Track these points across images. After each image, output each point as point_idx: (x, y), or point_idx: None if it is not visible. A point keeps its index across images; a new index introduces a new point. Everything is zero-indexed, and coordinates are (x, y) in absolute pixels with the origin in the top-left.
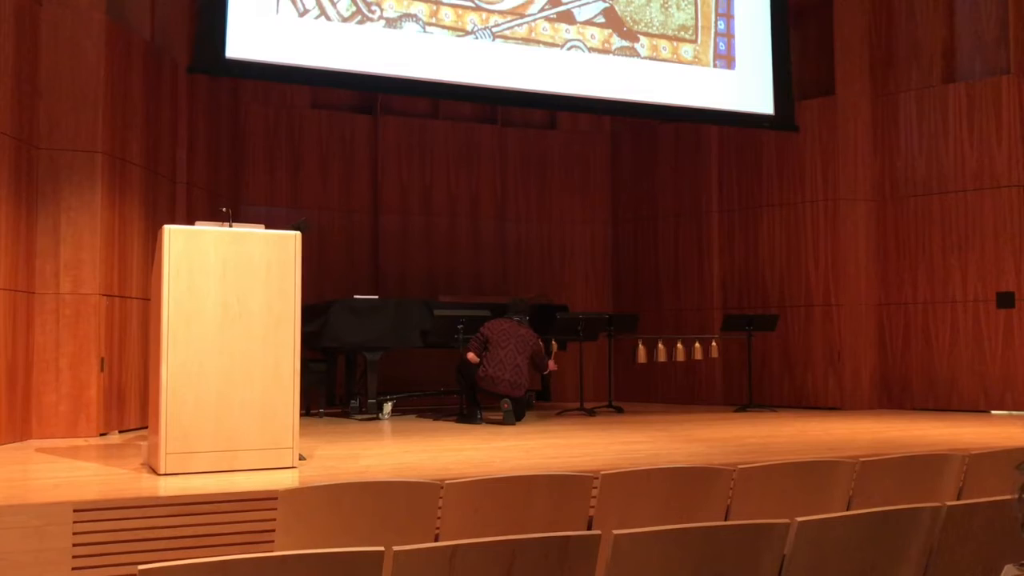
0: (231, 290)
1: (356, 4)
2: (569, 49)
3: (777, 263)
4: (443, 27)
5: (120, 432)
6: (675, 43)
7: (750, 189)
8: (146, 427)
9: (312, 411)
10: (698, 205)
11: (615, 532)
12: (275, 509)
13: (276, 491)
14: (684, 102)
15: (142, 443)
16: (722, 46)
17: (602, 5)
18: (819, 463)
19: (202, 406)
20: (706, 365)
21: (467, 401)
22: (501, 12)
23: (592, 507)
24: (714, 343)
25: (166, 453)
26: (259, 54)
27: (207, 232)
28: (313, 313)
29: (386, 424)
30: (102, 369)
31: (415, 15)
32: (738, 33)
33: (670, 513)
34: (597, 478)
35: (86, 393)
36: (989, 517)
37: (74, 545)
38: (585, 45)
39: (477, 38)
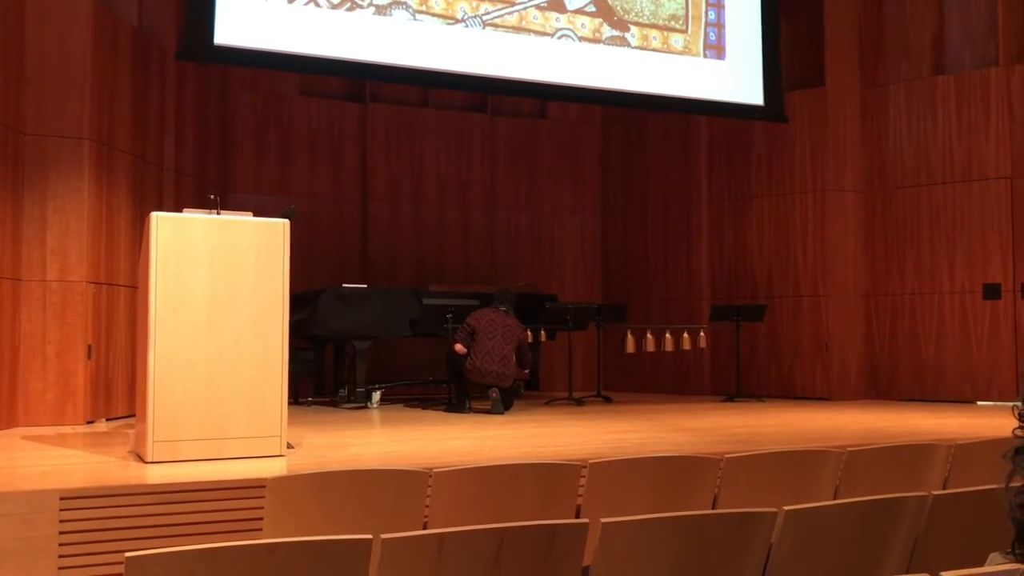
0: (219, 278)
1: None
2: (559, 38)
3: (766, 253)
4: (433, 15)
5: (107, 420)
6: (665, 33)
7: (739, 180)
8: (133, 415)
9: (300, 400)
10: (687, 195)
11: (603, 520)
12: (263, 497)
13: (264, 479)
14: (674, 92)
15: (129, 431)
16: (712, 36)
17: None
18: (806, 452)
19: (190, 394)
20: (694, 355)
21: (455, 390)
22: (491, 0)
23: (580, 496)
24: (702, 333)
25: (153, 441)
26: (248, 41)
27: (195, 220)
28: (301, 301)
29: (374, 413)
30: (89, 357)
31: (405, 2)
32: (728, 23)
33: (658, 502)
34: (585, 467)
35: (73, 381)
36: (975, 506)
37: (60, 533)
38: (575, 34)
39: (467, 26)
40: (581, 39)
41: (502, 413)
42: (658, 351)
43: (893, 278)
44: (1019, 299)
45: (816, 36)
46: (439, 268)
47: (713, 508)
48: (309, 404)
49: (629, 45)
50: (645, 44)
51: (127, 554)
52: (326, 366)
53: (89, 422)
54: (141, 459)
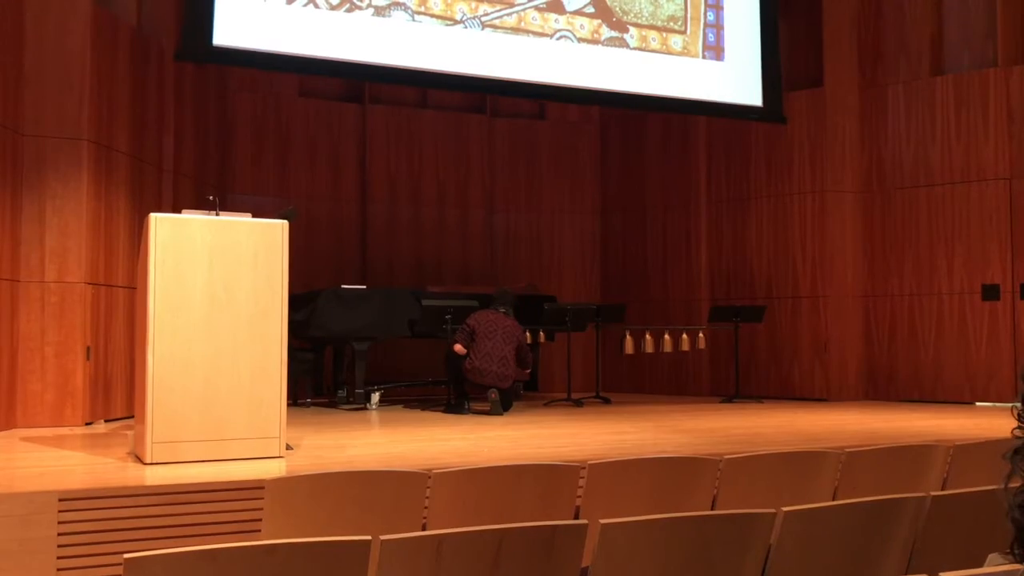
0: (218, 279)
1: None
2: (558, 39)
3: (765, 254)
4: (432, 16)
5: (106, 421)
6: (664, 34)
7: (738, 180)
8: (132, 416)
9: (299, 401)
10: (686, 196)
11: (602, 521)
12: (262, 498)
13: (263, 480)
14: (673, 93)
15: (128, 432)
16: (711, 37)
17: None
18: (805, 454)
19: (188, 395)
20: (693, 356)
21: (454, 391)
22: (490, 1)
23: (579, 497)
24: (701, 334)
25: (152, 442)
26: (247, 42)
27: (194, 220)
28: (300, 302)
29: (373, 414)
30: (88, 358)
31: (403, 3)
32: (727, 24)
33: (657, 503)
34: (584, 468)
35: (72, 382)
36: (973, 507)
37: (59, 534)
38: (574, 35)
39: (466, 27)
40: (580, 40)
41: (501, 414)
42: (657, 352)
43: (892, 279)
44: (1018, 300)
45: (815, 37)
46: (438, 269)
47: (712, 509)
48: (308, 405)
49: (628, 46)
50: (644, 45)
51: (126, 555)
52: (325, 367)
53: (88, 423)
54: (140, 460)
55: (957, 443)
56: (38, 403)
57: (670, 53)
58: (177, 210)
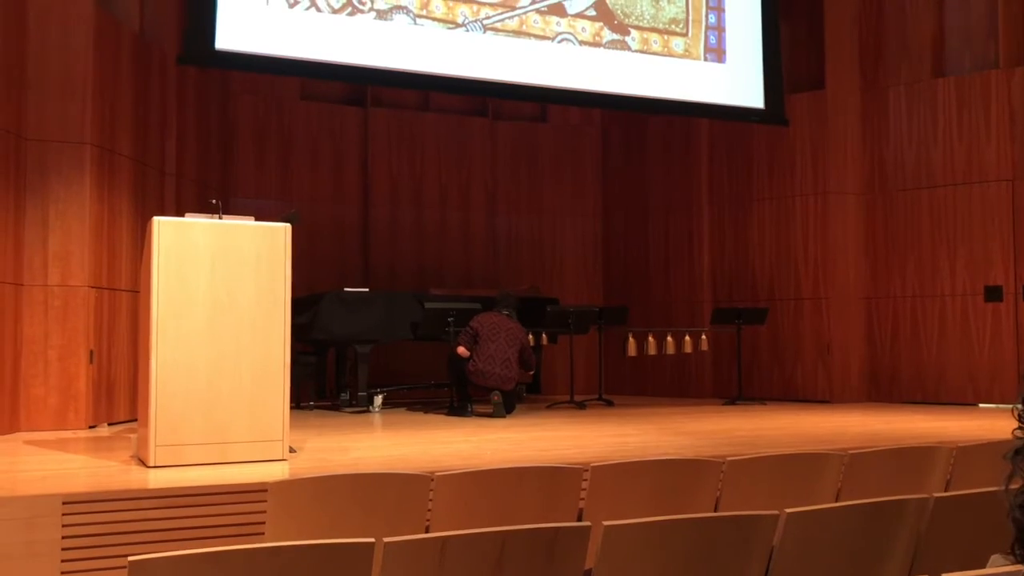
0: (220, 282)
1: None
2: (560, 42)
3: (767, 256)
4: (434, 19)
5: (109, 425)
6: (666, 36)
7: (740, 182)
8: (135, 420)
9: (302, 404)
10: (688, 198)
11: (605, 524)
12: (265, 501)
13: (266, 483)
14: (674, 96)
15: (131, 435)
16: (712, 40)
17: None
18: (808, 455)
19: (191, 398)
20: (696, 358)
21: (457, 394)
22: (492, 4)
23: (582, 499)
24: (704, 336)
25: (155, 445)
26: (249, 46)
27: (197, 224)
28: (303, 305)
29: (376, 417)
30: (91, 361)
31: (406, 7)
32: (729, 27)
33: (660, 505)
34: (587, 470)
35: (75, 385)
36: (976, 508)
37: (63, 537)
38: (576, 38)
39: (468, 30)
40: (582, 43)
41: (504, 417)
42: (659, 354)
43: (894, 280)
44: (1020, 301)
45: (816, 39)
46: (440, 272)
47: (715, 511)
48: (311, 408)
49: (630, 49)
50: (646, 48)
51: (130, 558)
52: (328, 370)
53: (91, 426)
54: (143, 463)
55: (960, 444)
56: (41, 407)
57: (672, 56)
58: (180, 213)
